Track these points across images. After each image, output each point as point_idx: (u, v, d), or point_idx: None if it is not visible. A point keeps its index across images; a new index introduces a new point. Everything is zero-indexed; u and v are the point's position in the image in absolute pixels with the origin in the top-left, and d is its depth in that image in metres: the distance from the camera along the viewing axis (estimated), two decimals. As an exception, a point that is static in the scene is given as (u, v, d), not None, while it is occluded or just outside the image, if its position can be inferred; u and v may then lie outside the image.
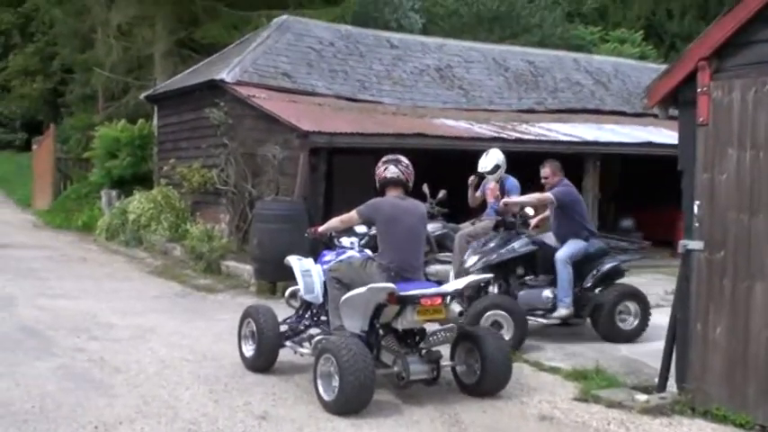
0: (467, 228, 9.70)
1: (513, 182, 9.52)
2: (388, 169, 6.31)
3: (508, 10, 26.32)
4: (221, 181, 13.24)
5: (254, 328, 6.60)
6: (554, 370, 6.93)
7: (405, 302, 5.79)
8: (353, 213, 6.36)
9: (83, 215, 18.30)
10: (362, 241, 6.90)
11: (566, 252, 7.98)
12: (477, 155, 14.48)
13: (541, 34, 25.80)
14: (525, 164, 14.23)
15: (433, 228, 9.59)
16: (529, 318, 7.73)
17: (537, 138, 13.39)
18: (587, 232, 8.26)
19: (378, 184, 6.39)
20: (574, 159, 13.52)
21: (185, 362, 6.94)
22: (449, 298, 6.04)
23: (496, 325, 7.36)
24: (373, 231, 6.63)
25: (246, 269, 11.34)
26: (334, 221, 6.60)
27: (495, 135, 12.91)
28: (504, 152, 13.14)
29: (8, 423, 5.22)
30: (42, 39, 29.44)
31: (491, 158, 9.54)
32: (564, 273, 7.87)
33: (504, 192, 9.24)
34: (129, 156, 17.61)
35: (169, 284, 11.34)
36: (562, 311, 7.89)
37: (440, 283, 7.05)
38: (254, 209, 11.70)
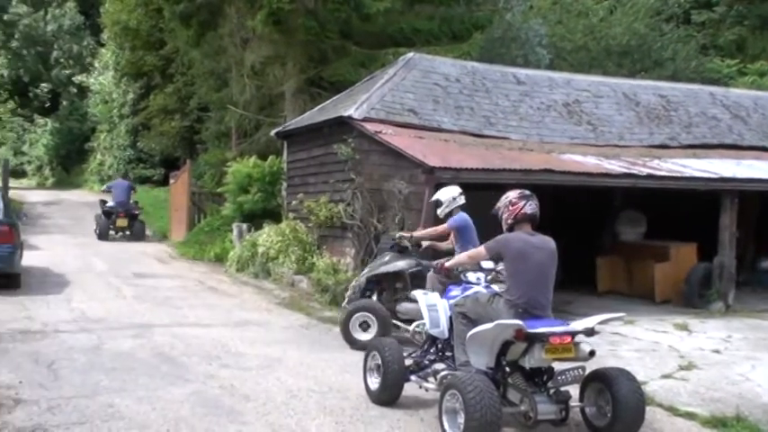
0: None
1: (455, 219, 9.37)
2: (528, 205, 6.18)
3: (638, 43, 25.78)
4: (347, 215, 13.44)
5: (380, 362, 6.63)
6: (690, 415, 6.61)
7: (533, 340, 5.66)
8: (481, 249, 6.33)
9: (215, 247, 18.95)
10: (489, 277, 6.78)
11: None
12: (607, 191, 14.21)
13: (674, 68, 25.12)
14: (658, 200, 13.89)
15: (408, 265, 9.71)
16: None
17: (670, 174, 12.95)
18: None
19: (510, 219, 6.20)
20: (710, 196, 13.03)
21: (311, 392, 7.03)
22: (578, 336, 5.85)
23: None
24: (500, 267, 6.52)
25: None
26: (462, 257, 6.62)
27: (626, 171, 12.56)
28: (634, 188, 12.84)
29: (144, 445, 5.43)
30: (181, 79, 30.98)
31: (435, 194, 9.73)
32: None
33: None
34: (260, 191, 18.13)
35: (296, 316, 11.57)
36: None
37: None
38: (379, 243, 11.80)
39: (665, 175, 12.88)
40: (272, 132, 18.31)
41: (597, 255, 14.83)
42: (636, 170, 12.76)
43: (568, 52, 25.62)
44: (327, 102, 16.95)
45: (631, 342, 9.84)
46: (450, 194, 9.50)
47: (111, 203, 21.77)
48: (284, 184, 17.36)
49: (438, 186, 11.24)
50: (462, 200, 9.47)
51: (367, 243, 12.88)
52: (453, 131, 13.88)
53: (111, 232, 21.67)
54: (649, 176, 12.57)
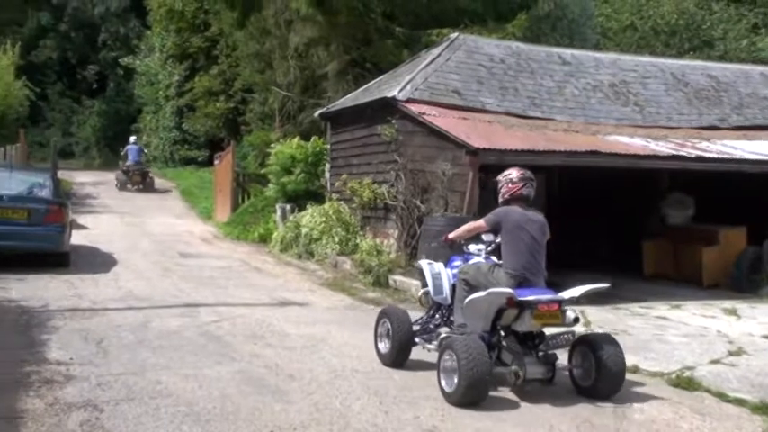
0: None
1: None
2: (526, 188, 6.72)
3: (687, 23, 25.29)
4: (391, 196, 13.43)
5: (389, 327, 7.17)
6: (739, 401, 6.49)
7: (523, 307, 6.19)
8: (481, 221, 6.90)
9: (259, 228, 19.07)
10: (489, 249, 7.16)
11: None
12: (654, 174, 13.96)
13: (724, 47, 24.62)
14: (707, 183, 13.62)
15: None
16: None
17: (720, 156, 12.71)
18: None
19: (507, 196, 6.74)
20: (760, 178, 12.76)
21: (356, 372, 7.06)
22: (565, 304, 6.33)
23: None
24: (498, 240, 6.91)
25: (414, 284, 11.41)
26: (463, 229, 7.10)
27: (674, 153, 12.37)
28: (682, 171, 12.64)
29: (192, 421, 5.50)
30: (225, 61, 31.18)
31: None
32: None
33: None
34: (304, 172, 18.21)
35: (339, 296, 11.61)
36: None
37: None
38: (422, 224, 11.78)
39: (715, 157, 12.65)
40: (316, 114, 18.35)
41: (644, 238, 14.63)
42: (684, 152, 12.55)
43: (615, 32, 25.25)
44: (371, 83, 16.92)
45: (679, 327, 9.70)
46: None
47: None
48: (327, 166, 17.40)
49: (483, 168, 11.20)
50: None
51: (410, 224, 12.87)
52: (498, 113, 13.78)
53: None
54: (698, 158, 12.36)
